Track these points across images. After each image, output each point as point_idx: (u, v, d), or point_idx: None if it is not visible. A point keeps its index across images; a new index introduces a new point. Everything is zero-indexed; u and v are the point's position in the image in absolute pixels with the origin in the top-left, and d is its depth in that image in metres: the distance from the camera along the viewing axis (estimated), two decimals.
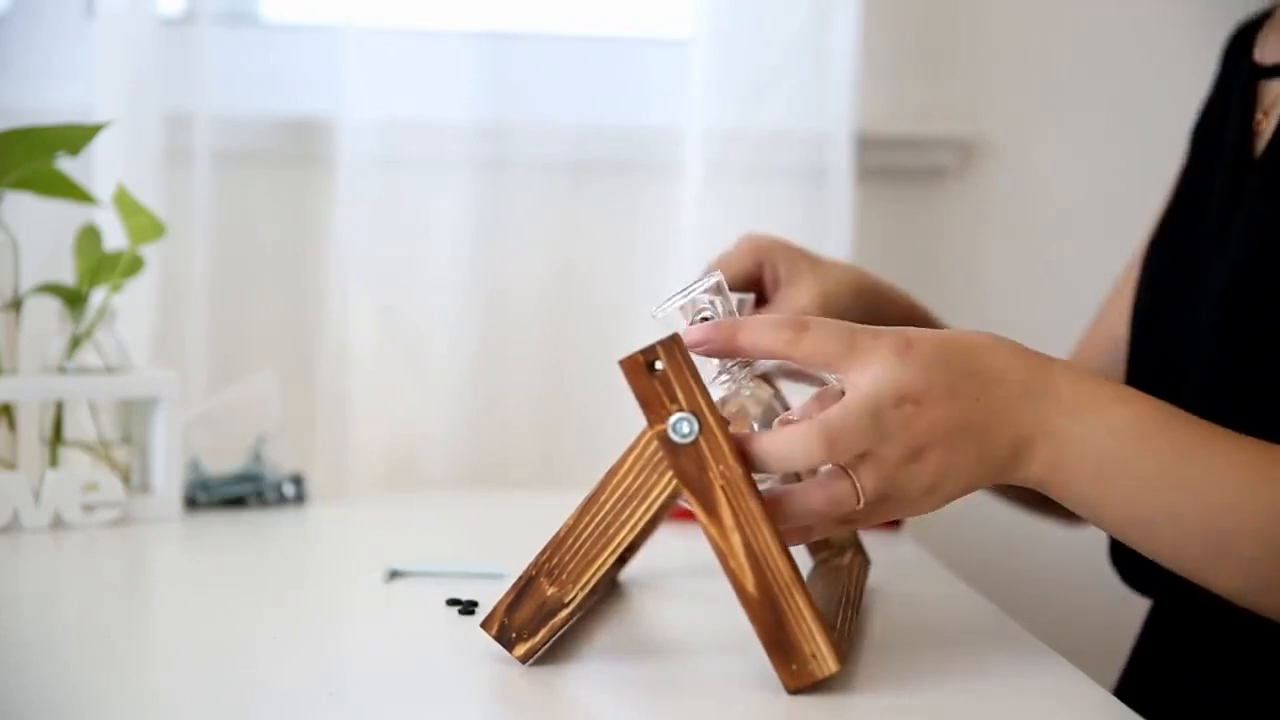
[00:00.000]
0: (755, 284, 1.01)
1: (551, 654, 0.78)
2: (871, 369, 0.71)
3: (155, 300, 1.40)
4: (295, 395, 1.43)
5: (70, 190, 1.13)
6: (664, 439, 0.72)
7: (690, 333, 0.73)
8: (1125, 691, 0.98)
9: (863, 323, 1.00)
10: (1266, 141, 0.90)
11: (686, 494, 0.72)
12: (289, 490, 1.23)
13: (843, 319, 0.96)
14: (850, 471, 0.72)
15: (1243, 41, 1.00)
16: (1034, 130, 1.60)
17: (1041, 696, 0.74)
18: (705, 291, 0.76)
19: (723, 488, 0.71)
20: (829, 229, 1.48)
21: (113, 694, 0.71)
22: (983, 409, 0.72)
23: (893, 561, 1.07)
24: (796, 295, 0.99)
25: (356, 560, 1.04)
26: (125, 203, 1.14)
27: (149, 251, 1.31)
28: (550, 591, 0.75)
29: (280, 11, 1.59)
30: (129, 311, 1.34)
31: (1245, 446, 0.74)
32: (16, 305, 1.13)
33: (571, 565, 0.74)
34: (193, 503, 1.20)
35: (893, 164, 1.57)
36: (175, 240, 1.40)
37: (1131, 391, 0.76)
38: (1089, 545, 1.10)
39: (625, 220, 1.52)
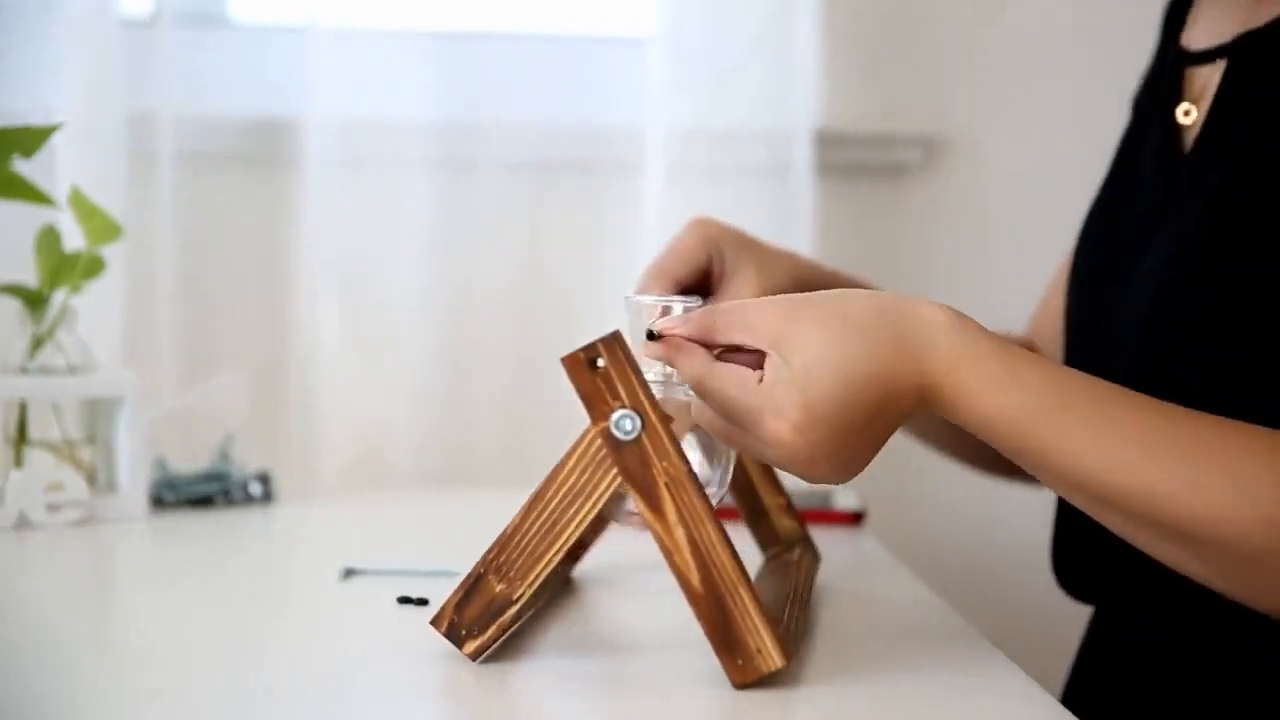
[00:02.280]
0: (704, 274, 1.01)
1: (502, 651, 0.78)
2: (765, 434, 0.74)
3: (123, 301, 1.40)
4: (264, 394, 1.43)
5: (26, 192, 1.14)
6: (607, 436, 0.72)
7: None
8: (1072, 694, 0.98)
9: None
10: (1196, 136, 0.89)
11: (630, 491, 0.73)
12: (255, 489, 1.24)
13: None
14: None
15: (1177, 16, 0.98)
16: (998, 127, 1.61)
17: (984, 695, 0.75)
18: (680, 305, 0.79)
19: (666, 484, 0.72)
20: (791, 226, 1.49)
21: (55, 692, 0.72)
22: (873, 435, 0.74)
23: (850, 558, 1.08)
24: (739, 289, 0.99)
25: (317, 559, 1.05)
26: (81, 204, 1.15)
27: (116, 252, 1.32)
28: (499, 589, 0.75)
29: (245, 13, 1.59)
30: (98, 312, 1.35)
31: (1123, 402, 0.74)
32: None
33: (519, 562, 0.75)
34: (159, 502, 1.21)
35: (857, 161, 1.58)
36: (142, 241, 1.41)
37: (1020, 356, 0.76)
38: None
39: (589, 219, 1.53)
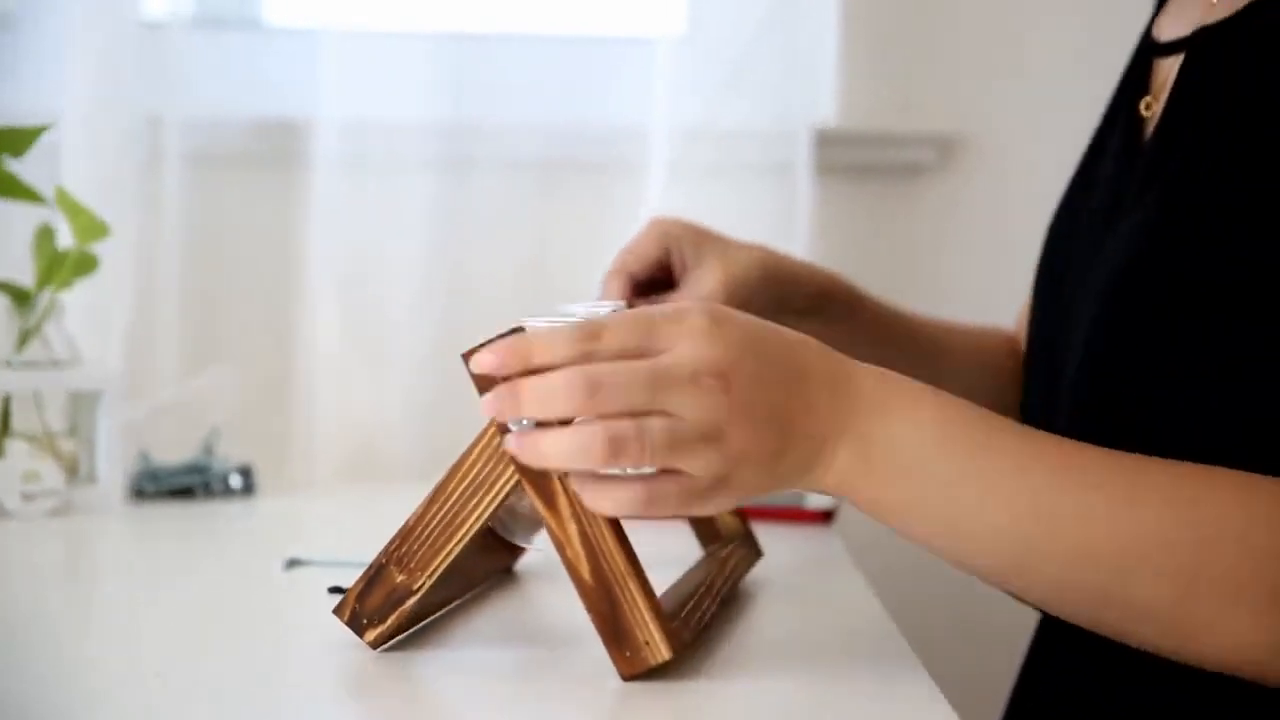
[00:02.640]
0: (664, 270, 1.02)
1: (414, 640, 0.79)
2: (678, 345, 0.69)
3: (131, 299, 1.43)
4: (266, 390, 1.46)
5: (17, 190, 1.16)
6: (503, 429, 0.73)
7: (481, 361, 0.70)
8: (1019, 701, 0.96)
9: (774, 305, 1.00)
10: (1153, 129, 0.88)
11: (525, 484, 0.73)
12: (235, 482, 1.25)
13: (750, 302, 0.97)
14: (640, 422, 0.67)
15: (1160, 4, 0.97)
16: (1015, 126, 1.58)
17: (880, 701, 0.73)
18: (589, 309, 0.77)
19: (559, 478, 0.72)
20: (797, 226, 1.49)
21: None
22: (788, 404, 0.70)
23: (806, 556, 1.07)
24: (702, 279, 0.99)
25: (273, 550, 1.06)
26: (67, 203, 1.17)
27: (124, 251, 1.35)
28: (399, 579, 0.76)
29: (252, 15, 1.61)
30: (105, 310, 1.38)
31: (1056, 448, 0.73)
32: None
33: (420, 553, 0.76)
34: (140, 493, 1.23)
35: (870, 160, 1.57)
36: (149, 240, 1.44)
37: (938, 392, 0.74)
38: None
39: (592, 219, 1.53)
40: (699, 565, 0.91)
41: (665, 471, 0.69)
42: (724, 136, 1.50)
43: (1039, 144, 1.56)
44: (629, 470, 0.70)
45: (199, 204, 1.47)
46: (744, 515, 0.97)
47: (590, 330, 0.70)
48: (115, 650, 0.79)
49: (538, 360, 0.69)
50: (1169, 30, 0.92)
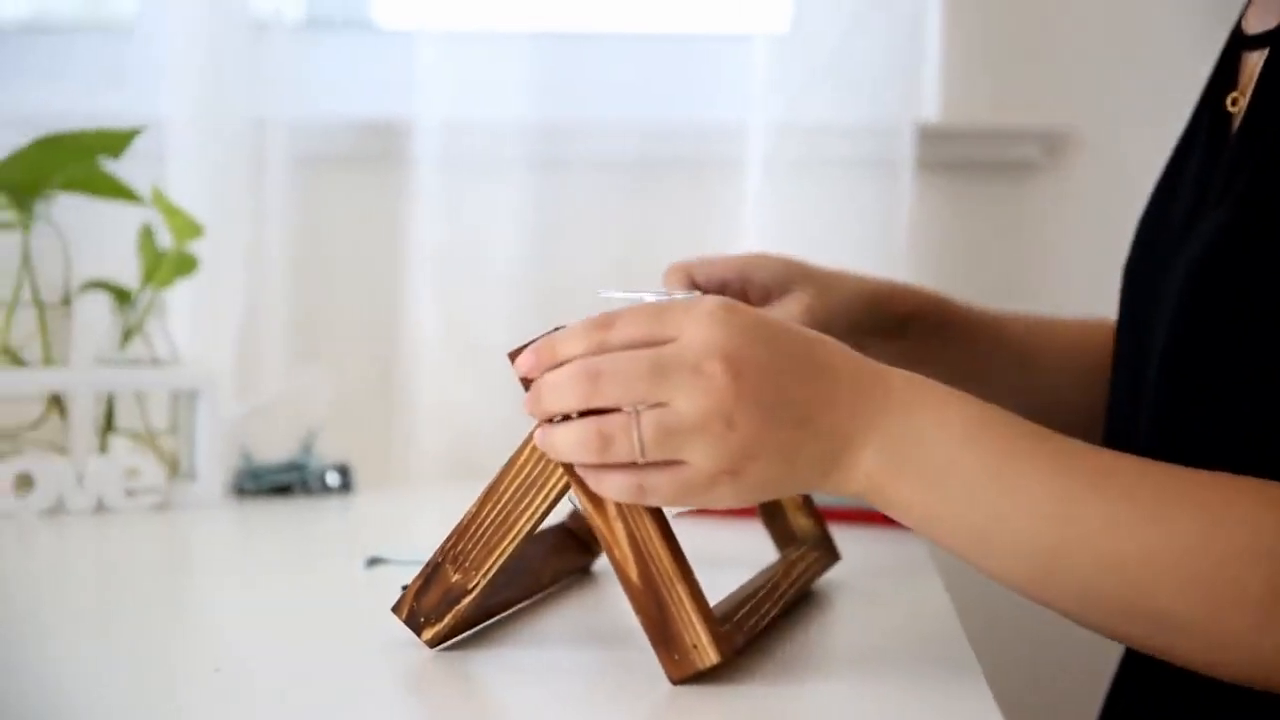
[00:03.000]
0: (738, 297, 0.99)
1: (474, 640, 0.80)
2: (685, 332, 0.69)
3: (239, 299, 1.46)
4: (370, 389, 1.48)
5: (115, 190, 1.20)
6: None
7: (520, 362, 0.72)
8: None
9: (861, 330, 0.99)
10: (1238, 126, 0.85)
11: (572, 483, 0.73)
12: (333, 480, 1.28)
13: (833, 328, 0.94)
14: (635, 414, 0.68)
15: None
16: (1125, 121, 1.54)
17: (935, 715, 0.71)
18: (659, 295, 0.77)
19: None
20: (898, 223, 1.47)
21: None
22: (805, 396, 0.69)
23: (889, 560, 1.05)
24: (786, 305, 0.97)
25: (361, 549, 1.07)
26: (162, 203, 1.20)
27: (232, 251, 1.39)
28: (455, 578, 0.76)
29: (360, 16, 1.64)
30: (214, 309, 1.41)
31: (1084, 455, 0.71)
32: (67, 301, 1.20)
33: (474, 553, 0.76)
34: (242, 491, 1.26)
35: (974, 157, 1.54)
36: (256, 241, 1.47)
37: (967, 396, 0.72)
38: None
39: (689, 217, 1.53)
40: (769, 569, 0.91)
41: (668, 461, 0.69)
42: (824, 133, 1.48)
43: (1150, 140, 1.50)
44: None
45: (304, 205, 1.50)
46: (821, 517, 0.96)
47: (602, 322, 0.70)
48: (179, 645, 0.81)
49: (560, 355, 0.71)
50: (1257, 23, 0.89)
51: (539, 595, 0.91)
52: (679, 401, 0.68)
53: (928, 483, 0.70)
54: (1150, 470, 0.71)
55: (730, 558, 0.94)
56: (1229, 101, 0.88)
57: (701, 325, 0.69)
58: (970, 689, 0.73)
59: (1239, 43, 0.90)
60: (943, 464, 0.70)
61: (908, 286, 1.08)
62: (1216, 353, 0.79)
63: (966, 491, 0.70)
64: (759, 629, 0.79)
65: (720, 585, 0.80)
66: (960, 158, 1.53)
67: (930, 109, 1.53)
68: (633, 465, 0.70)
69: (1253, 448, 0.74)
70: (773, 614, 0.81)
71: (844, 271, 1.05)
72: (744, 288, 1.00)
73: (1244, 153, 0.82)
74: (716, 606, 0.75)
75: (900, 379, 0.72)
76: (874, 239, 1.48)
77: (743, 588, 0.84)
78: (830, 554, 0.96)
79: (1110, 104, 1.54)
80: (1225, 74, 0.90)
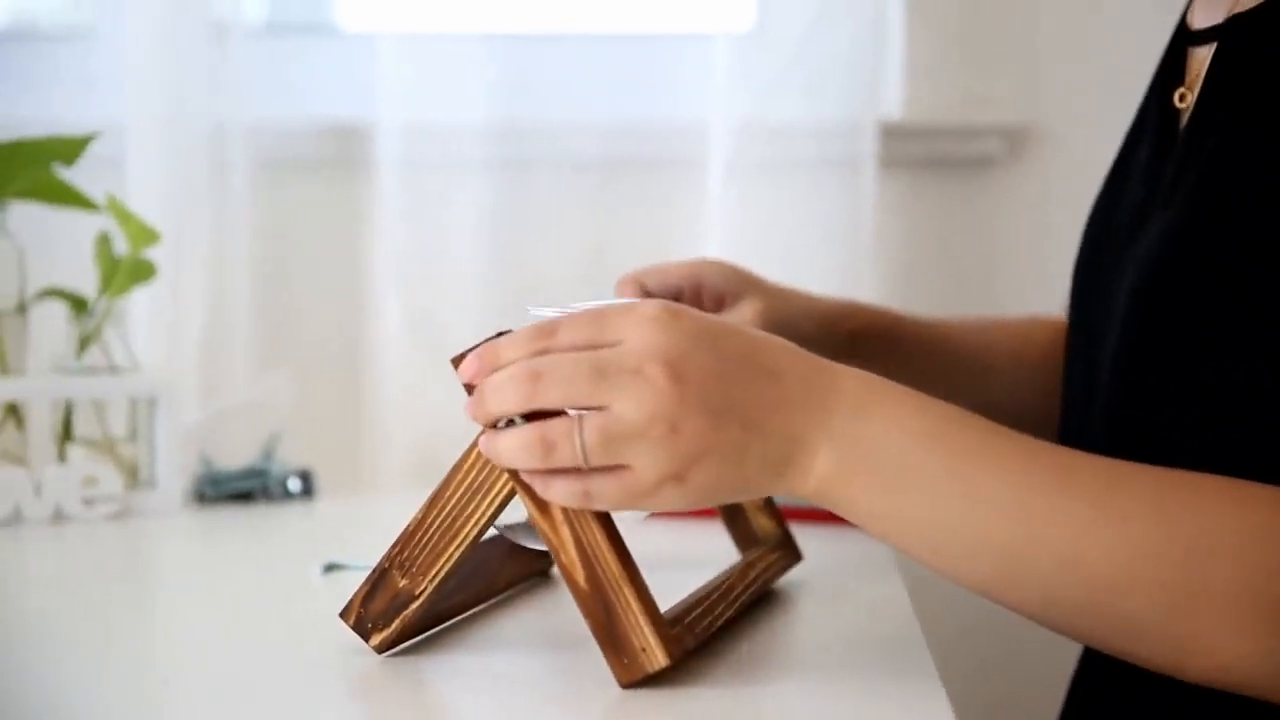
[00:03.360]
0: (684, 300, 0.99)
1: (426, 645, 0.79)
2: (627, 336, 0.69)
3: (200, 305, 1.45)
4: (334, 394, 1.48)
5: (69, 197, 1.19)
6: None
7: (463, 368, 0.72)
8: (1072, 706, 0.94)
9: (810, 348, 0.98)
10: (1185, 122, 0.85)
11: (518, 489, 0.72)
12: (294, 486, 1.27)
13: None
14: (578, 419, 0.68)
15: None
16: (1086, 116, 1.54)
17: (886, 711, 0.71)
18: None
19: None
20: (862, 222, 1.47)
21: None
22: (752, 398, 0.69)
23: (850, 560, 1.05)
24: (737, 315, 0.98)
25: (319, 555, 1.07)
26: (117, 210, 1.20)
27: (193, 257, 1.38)
28: (402, 584, 0.76)
29: (322, 19, 1.64)
30: (175, 315, 1.41)
31: (1044, 453, 0.70)
32: (22, 309, 1.19)
33: (421, 558, 0.76)
34: (202, 497, 1.25)
35: (937, 154, 1.54)
36: (217, 246, 1.46)
37: (922, 395, 0.71)
38: None
39: (652, 217, 1.53)
40: (726, 570, 0.90)
41: (613, 466, 0.69)
42: (788, 131, 1.48)
43: (1112, 135, 1.51)
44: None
45: (266, 209, 1.49)
46: (782, 518, 0.96)
47: (546, 328, 0.70)
48: (127, 653, 0.80)
49: (503, 360, 0.70)
50: (1203, 17, 0.88)
51: (494, 599, 0.90)
52: (620, 405, 0.68)
53: (884, 484, 0.69)
54: (1113, 469, 0.70)
55: (693, 559, 0.94)
56: (1176, 97, 0.87)
57: (643, 328, 0.69)
58: (925, 690, 0.73)
59: (1184, 38, 0.90)
60: (899, 464, 0.69)
61: (856, 304, 1.08)
62: (1168, 353, 0.79)
63: (924, 492, 0.69)
64: (712, 630, 0.78)
65: (682, 587, 0.80)
66: (923, 155, 1.53)
67: (893, 106, 1.53)
68: (577, 471, 0.69)
69: (1206, 447, 0.74)
70: (728, 615, 0.81)
71: (794, 289, 1.04)
72: (697, 294, 1.00)
73: (1192, 150, 0.82)
74: (670, 609, 0.75)
75: (853, 379, 0.71)
76: (838, 236, 1.48)
77: (698, 590, 0.84)
78: (792, 554, 0.95)
79: (1072, 100, 1.54)
80: (1171, 69, 0.90)
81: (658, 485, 0.69)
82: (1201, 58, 0.86)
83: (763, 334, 0.72)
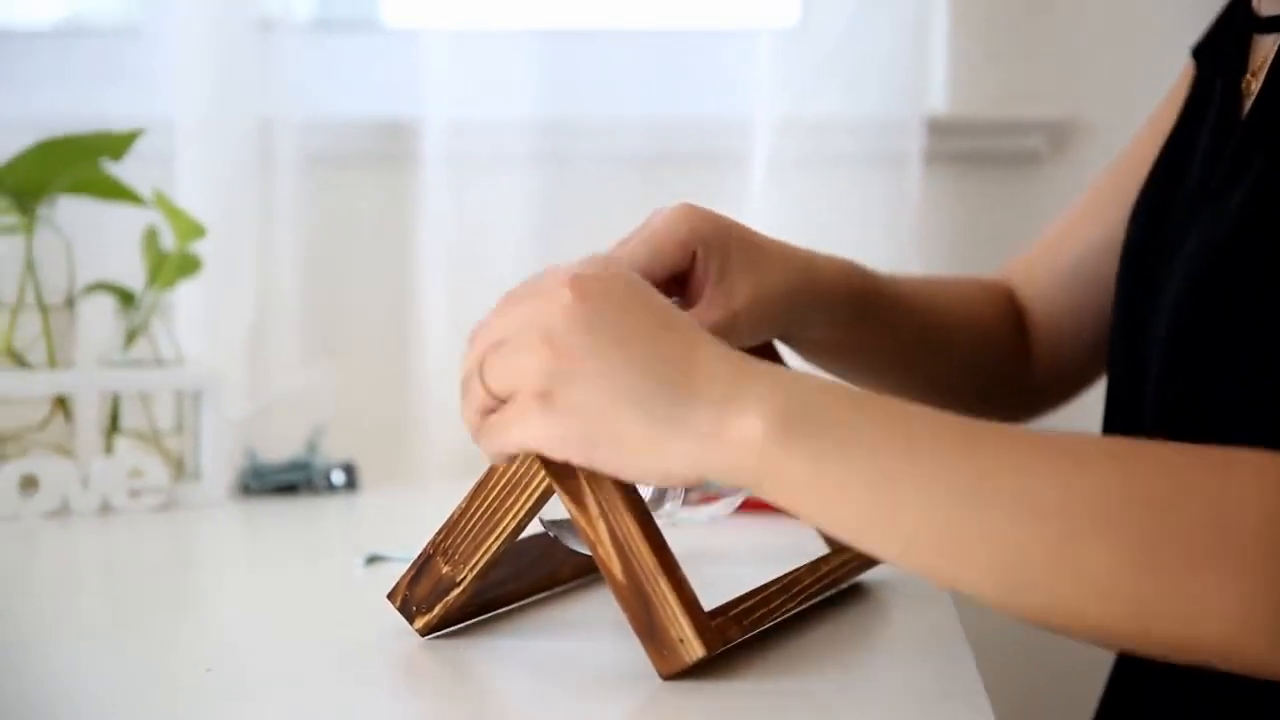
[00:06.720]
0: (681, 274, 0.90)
1: (472, 631, 0.80)
2: (545, 275, 0.69)
3: (250, 299, 1.47)
4: (381, 386, 1.49)
5: (117, 192, 1.20)
6: None
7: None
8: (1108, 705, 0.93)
9: (794, 328, 0.94)
10: (1249, 110, 0.84)
11: (554, 484, 0.73)
12: (338, 478, 1.28)
13: (768, 324, 0.89)
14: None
15: None
16: (1130, 112, 1.53)
17: (925, 713, 0.70)
18: None
19: (585, 477, 0.71)
20: (906, 216, 1.47)
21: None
22: (659, 345, 0.66)
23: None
24: (733, 293, 0.89)
25: (361, 547, 1.08)
26: (164, 205, 1.21)
27: (242, 251, 1.40)
28: (445, 570, 0.77)
29: (368, 16, 1.65)
30: (225, 310, 1.42)
31: (988, 431, 0.64)
32: (70, 302, 1.20)
33: (463, 547, 0.76)
34: (247, 490, 1.26)
35: (981, 149, 1.54)
36: (266, 241, 1.48)
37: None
38: None
39: None
40: (799, 566, 0.89)
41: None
42: (831, 127, 1.48)
43: None
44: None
45: (313, 204, 1.50)
46: None
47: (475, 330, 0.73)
48: (171, 643, 0.81)
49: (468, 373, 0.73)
50: (1269, 5, 0.88)
51: (556, 589, 0.91)
52: (513, 323, 0.67)
53: (819, 447, 0.64)
54: (1063, 435, 0.65)
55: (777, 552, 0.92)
56: (1243, 84, 0.87)
57: (562, 268, 0.69)
58: (967, 693, 0.71)
59: (1251, 24, 0.89)
60: (832, 421, 0.64)
61: (837, 271, 0.96)
62: (1224, 340, 0.78)
63: (861, 452, 0.63)
64: (766, 624, 0.77)
65: (758, 581, 0.80)
66: (967, 150, 1.53)
67: (937, 101, 1.53)
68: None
69: (1260, 434, 0.73)
70: (791, 610, 0.80)
71: (780, 253, 0.93)
72: (692, 264, 0.90)
73: (1256, 137, 0.81)
74: (725, 602, 0.75)
75: (767, 364, 0.67)
76: (881, 232, 1.48)
77: (763, 584, 0.83)
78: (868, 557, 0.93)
79: (1115, 94, 1.53)
80: (1236, 56, 0.89)
81: (524, 409, 0.67)
82: (1269, 45, 0.86)
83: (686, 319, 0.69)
